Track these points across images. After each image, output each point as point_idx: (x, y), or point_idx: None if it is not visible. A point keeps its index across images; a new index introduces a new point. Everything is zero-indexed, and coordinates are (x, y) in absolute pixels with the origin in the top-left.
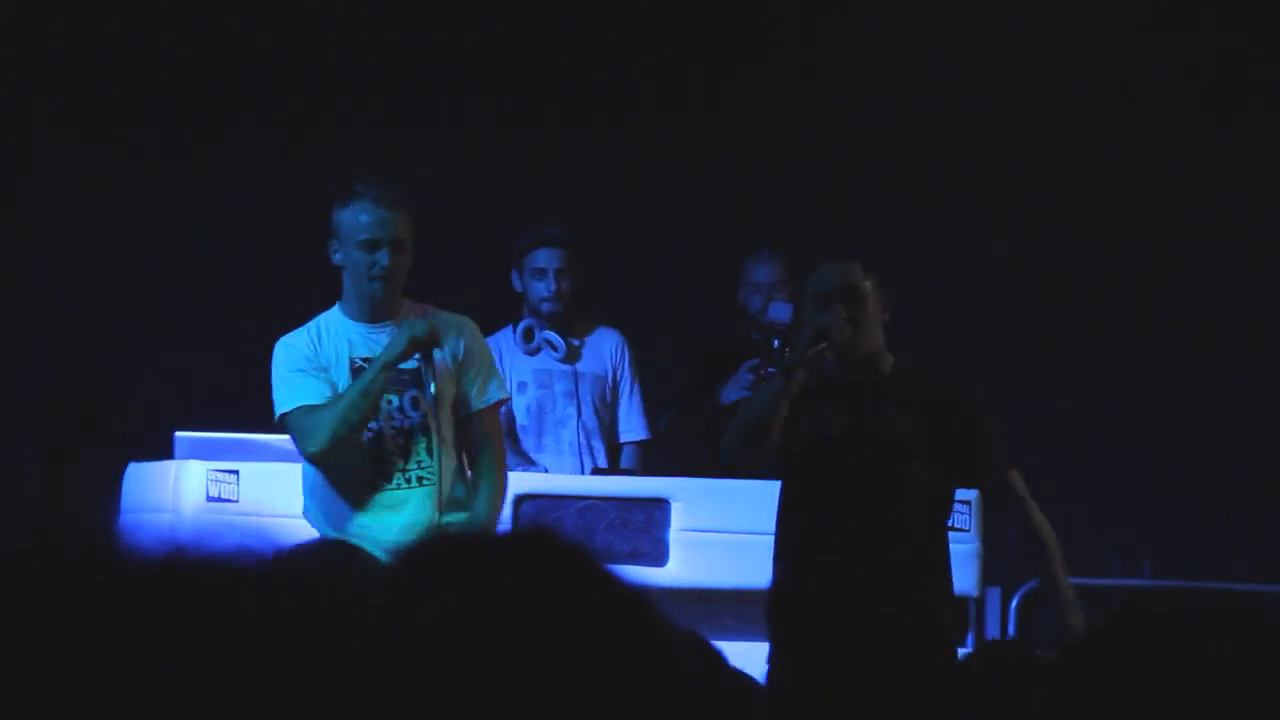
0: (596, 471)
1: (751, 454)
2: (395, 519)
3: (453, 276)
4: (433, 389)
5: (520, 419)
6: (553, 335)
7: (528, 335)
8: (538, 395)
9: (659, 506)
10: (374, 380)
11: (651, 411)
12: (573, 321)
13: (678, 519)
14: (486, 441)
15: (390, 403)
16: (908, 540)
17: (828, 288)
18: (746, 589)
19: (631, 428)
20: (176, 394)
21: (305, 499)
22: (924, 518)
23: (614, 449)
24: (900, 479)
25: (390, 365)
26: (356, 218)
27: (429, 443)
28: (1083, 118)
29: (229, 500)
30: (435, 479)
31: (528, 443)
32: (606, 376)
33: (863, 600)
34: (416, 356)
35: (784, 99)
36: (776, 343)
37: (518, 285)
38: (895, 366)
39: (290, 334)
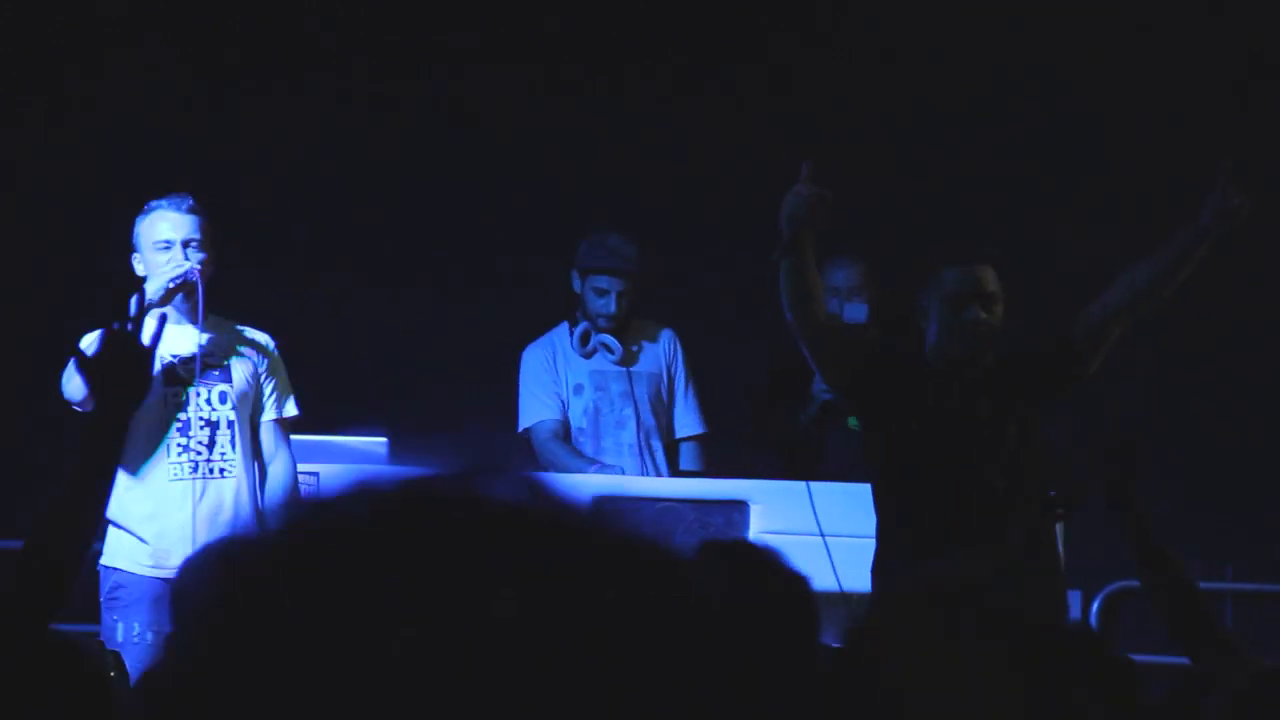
0: (674, 475)
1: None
2: (189, 508)
3: (511, 266)
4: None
5: (577, 422)
6: (609, 338)
7: (584, 339)
8: (594, 398)
9: (738, 509)
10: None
11: (706, 407)
12: (630, 324)
13: (756, 521)
14: (276, 448)
15: (199, 395)
16: (1024, 529)
17: (963, 289)
18: (825, 591)
19: (687, 423)
20: None
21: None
22: (1028, 505)
23: (671, 448)
24: (1014, 469)
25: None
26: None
27: (233, 436)
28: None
29: None
30: (235, 471)
31: (585, 446)
32: (661, 374)
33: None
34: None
35: (860, 98)
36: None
37: (576, 287)
38: (995, 356)
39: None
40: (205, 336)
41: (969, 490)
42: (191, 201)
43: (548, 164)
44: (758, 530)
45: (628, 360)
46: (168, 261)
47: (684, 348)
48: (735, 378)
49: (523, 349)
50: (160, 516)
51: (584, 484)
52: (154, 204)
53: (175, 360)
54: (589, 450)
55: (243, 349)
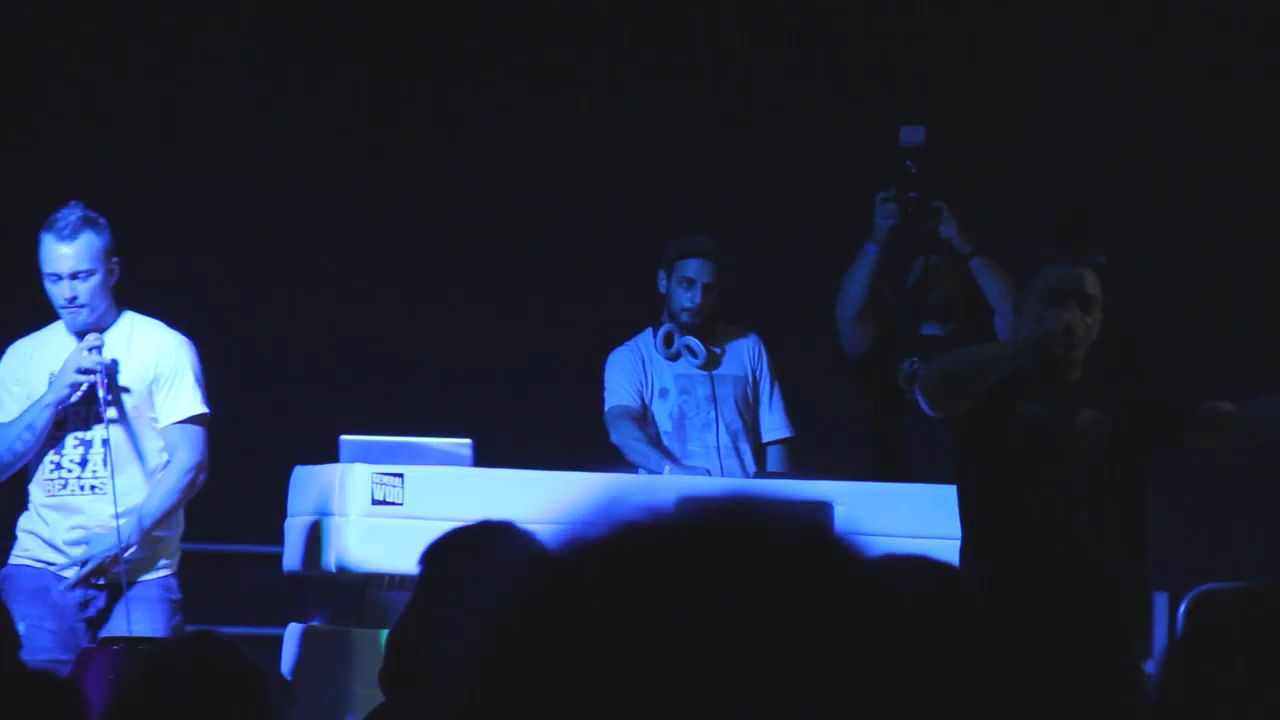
0: (757, 475)
1: (954, 400)
2: (69, 521)
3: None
4: (106, 410)
5: (663, 425)
6: (693, 341)
7: (668, 340)
8: (680, 401)
9: (822, 510)
10: (39, 415)
11: (792, 411)
12: (711, 328)
13: (841, 522)
14: (172, 451)
15: (78, 414)
16: (1119, 528)
17: (1063, 287)
18: None
19: (774, 427)
20: (341, 397)
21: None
22: (1134, 508)
23: (759, 451)
24: (1108, 470)
25: (57, 403)
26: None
27: (106, 454)
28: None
29: (394, 504)
30: (108, 488)
31: (674, 449)
32: (746, 377)
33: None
34: (98, 374)
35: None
36: (910, 164)
37: (662, 287)
38: (1084, 371)
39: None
40: (97, 363)
41: (1058, 493)
42: (76, 221)
43: (628, 168)
44: (842, 531)
45: (711, 363)
46: (59, 295)
47: (769, 352)
48: (817, 380)
49: (603, 349)
50: (36, 531)
51: (669, 484)
52: (43, 229)
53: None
54: (676, 454)
55: (137, 358)
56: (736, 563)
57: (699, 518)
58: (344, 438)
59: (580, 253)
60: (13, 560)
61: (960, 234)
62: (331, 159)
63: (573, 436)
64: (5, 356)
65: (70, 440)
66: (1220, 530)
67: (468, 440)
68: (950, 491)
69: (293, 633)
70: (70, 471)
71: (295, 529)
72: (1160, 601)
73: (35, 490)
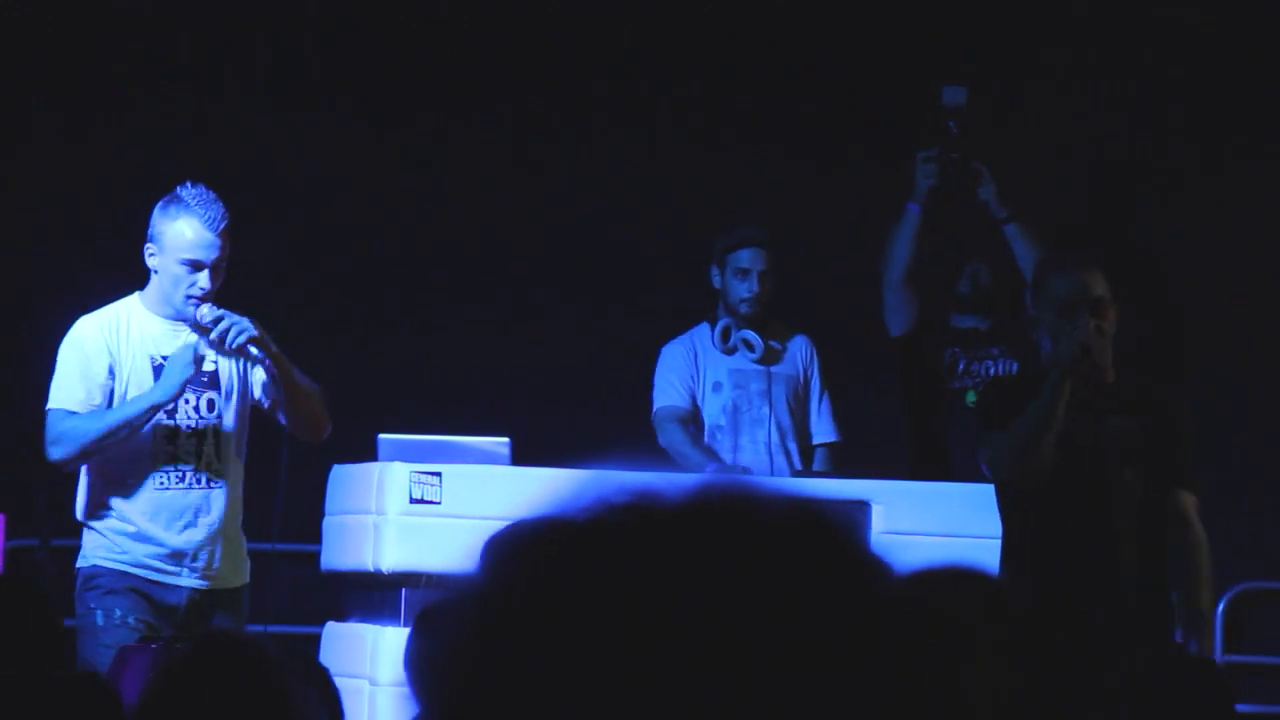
0: (796, 474)
1: (1028, 470)
2: (183, 520)
3: (650, 271)
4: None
5: (715, 419)
6: (751, 335)
7: (725, 335)
8: (733, 395)
9: (860, 509)
10: (141, 415)
11: (840, 415)
12: (768, 324)
13: (879, 521)
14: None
15: (186, 402)
16: (1132, 546)
17: (1074, 297)
18: None
19: (823, 430)
20: (379, 395)
21: (82, 500)
22: (1149, 523)
23: (807, 452)
24: (1132, 485)
25: (160, 406)
26: (182, 233)
27: (219, 444)
28: None
29: (432, 502)
30: (226, 481)
31: (725, 442)
32: (798, 376)
33: (1099, 606)
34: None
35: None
36: (953, 125)
37: (717, 282)
38: (1117, 372)
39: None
40: (200, 342)
41: (1091, 503)
42: (223, 211)
43: (662, 170)
44: (880, 530)
45: (768, 359)
46: (191, 284)
47: (821, 355)
48: (861, 383)
49: (641, 346)
50: (151, 528)
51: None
52: (187, 205)
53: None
54: (726, 447)
55: (224, 340)
56: (719, 541)
57: (683, 499)
58: (382, 436)
59: (618, 250)
60: (100, 562)
61: (998, 197)
62: (366, 158)
63: (611, 435)
64: (85, 337)
65: (183, 432)
66: (1261, 529)
67: (506, 439)
68: (989, 491)
69: (331, 632)
70: (188, 465)
71: (333, 528)
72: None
73: (141, 486)
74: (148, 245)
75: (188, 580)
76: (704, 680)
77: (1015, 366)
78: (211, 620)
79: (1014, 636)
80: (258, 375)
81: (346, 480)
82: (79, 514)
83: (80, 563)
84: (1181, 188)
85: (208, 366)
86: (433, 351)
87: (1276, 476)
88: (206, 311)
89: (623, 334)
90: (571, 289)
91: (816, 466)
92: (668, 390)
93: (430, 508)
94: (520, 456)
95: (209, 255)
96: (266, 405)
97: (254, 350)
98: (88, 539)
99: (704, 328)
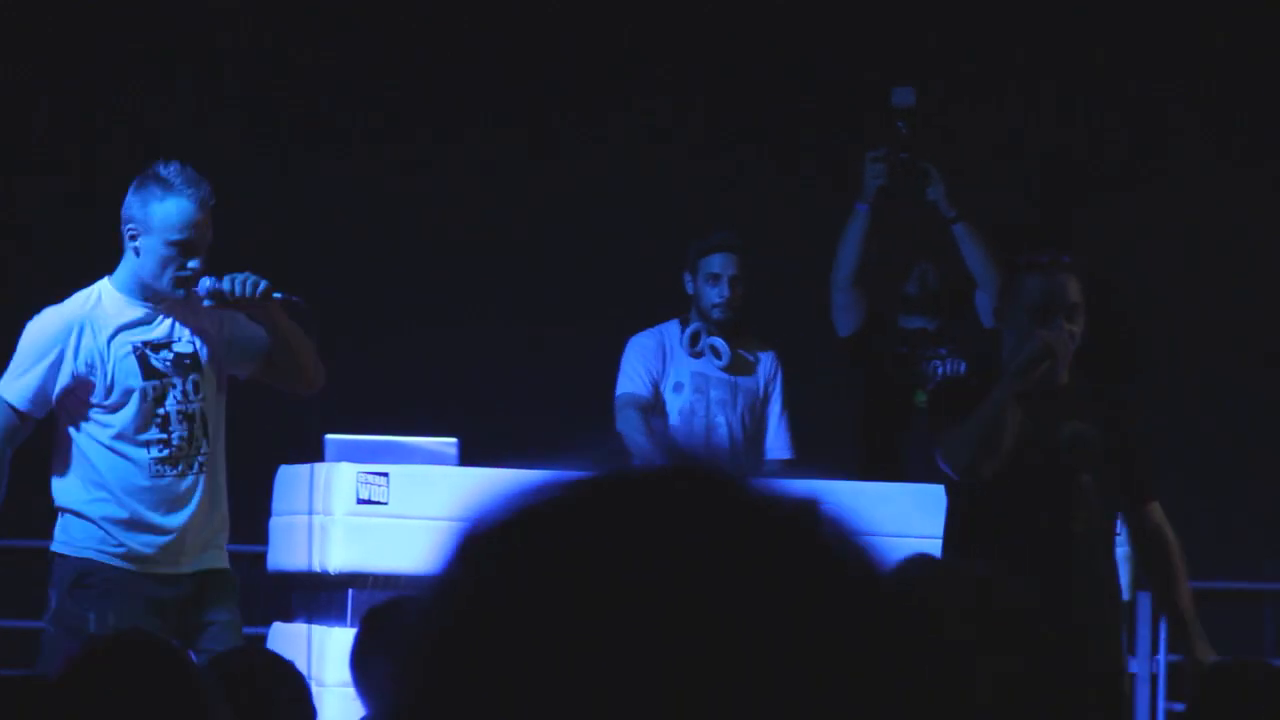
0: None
1: (985, 461)
2: (177, 504)
3: (632, 274)
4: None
5: (671, 419)
6: (719, 342)
7: (694, 339)
8: (692, 399)
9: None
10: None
11: (797, 434)
12: (740, 334)
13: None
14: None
15: (174, 386)
16: (1085, 550)
17: (1047, 301)
18: None
19: (779, 446)
20: (325, 395)
21: (70, 488)
22: (1101, 528)
23: (757, 467)
24: (1083, 488)
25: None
26: (171, 214)
27: (206, 425)
28: None
29: (379, 503)
30: (215, 462)
31: None
32: (758, 392)
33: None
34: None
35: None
36: (901, 125)
37: (689, 288)
38: (1072, 376)
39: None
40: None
41: (1047, 506)
42: (210, 190)
43: (625, 175)
44: None
45: (734, 368)
46: (179, 266)
47: (784, 371)
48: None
49: (591, 346)
50: (146, 514)
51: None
52: (172, 184)
53: (148, 350)
54: None
55: (202, 314)
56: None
57: (620, 473)
58: (329, 437)
59: (569, 248)
60: (92, 556)
61: (946, 198)
62: (320, 156)
63: (560, 436)
64: (45, 329)
65: (175, 417)
66: (1211, 529)
67: (453, 439)
68: (939, 491)
69: (277, 632)
70: (180, 450)
71: (280, 528)
72: (1144, 601)
73: (128, 478)
74: (127, 226)
75: (186, 566)
76: (680, 667)
77: (963, 366)
78: (207, 608)
79: (1004, 630)
80: (235, 343)
81: (293, 480)
82: (61, 500)
83: (66, 550)
84: (1133, 188)
85: (185, 348)
86: (380, 351)
87: (1199, 478)
88: (209, 283)
89: (571, 333)
90: (521, 288)
91: None
92: (632, 378)
93: (377, 508)
94: (469, 457)
95: (199, 235)
96: (243, 377)
97: (277, 294)
98: (75, 526)
99: (674, 325)
